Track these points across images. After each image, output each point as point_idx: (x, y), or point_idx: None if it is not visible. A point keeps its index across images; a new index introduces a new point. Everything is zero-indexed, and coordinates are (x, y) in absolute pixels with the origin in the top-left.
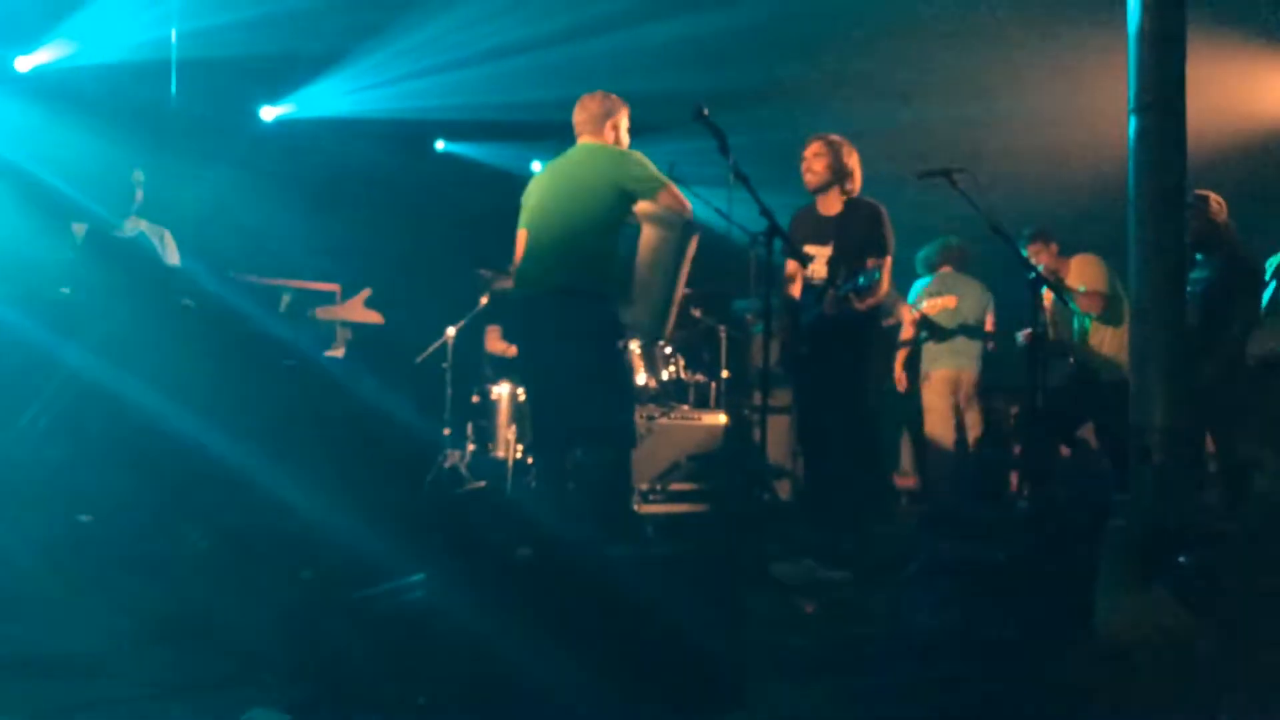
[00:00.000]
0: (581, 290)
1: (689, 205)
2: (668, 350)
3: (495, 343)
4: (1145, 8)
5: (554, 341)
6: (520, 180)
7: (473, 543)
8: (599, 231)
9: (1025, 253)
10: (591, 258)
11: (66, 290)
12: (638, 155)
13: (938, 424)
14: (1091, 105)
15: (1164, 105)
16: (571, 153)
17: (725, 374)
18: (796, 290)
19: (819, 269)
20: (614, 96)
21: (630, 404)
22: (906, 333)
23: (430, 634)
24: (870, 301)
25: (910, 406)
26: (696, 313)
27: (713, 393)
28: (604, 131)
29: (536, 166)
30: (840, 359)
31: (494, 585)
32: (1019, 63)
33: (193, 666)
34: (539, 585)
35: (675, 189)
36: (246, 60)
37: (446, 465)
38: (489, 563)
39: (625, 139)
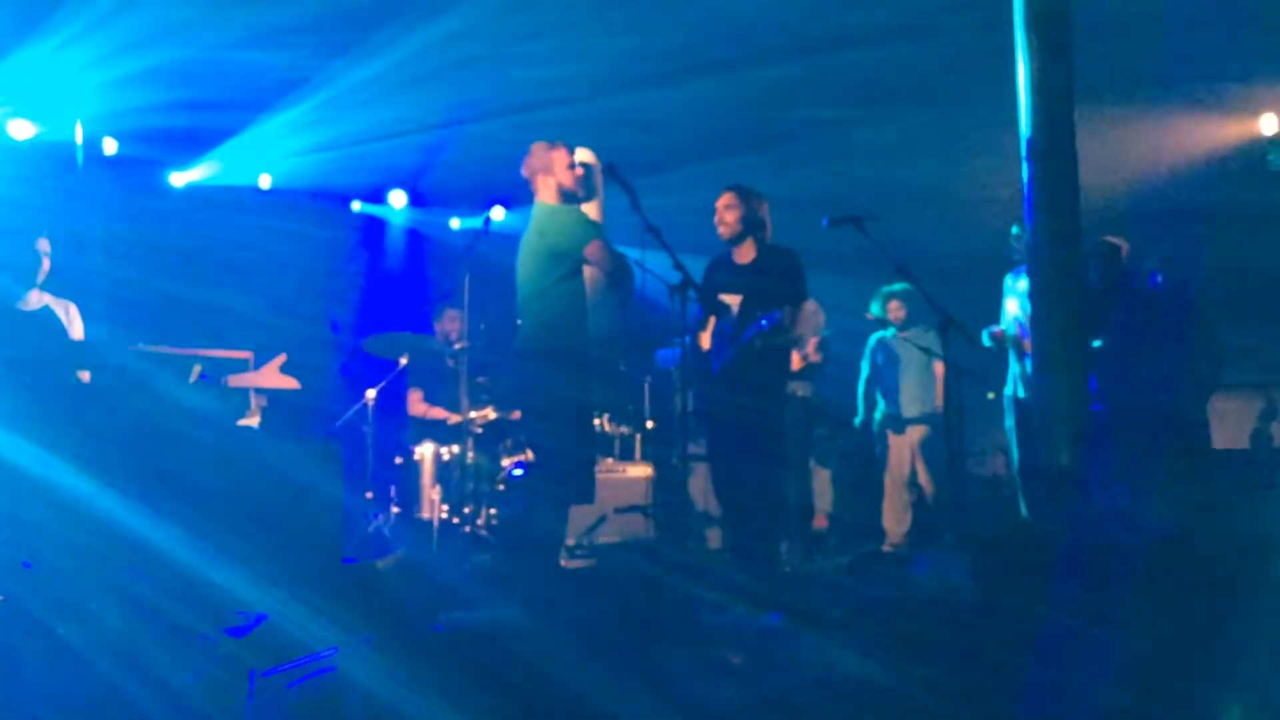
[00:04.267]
0: (532, 352)
1: (614, 256)
2: None
3: (417, 405)
4: (1033, 59)
5: (519, 403)
6: (437, 244)
7: (389, 612)
8: (537, 294)
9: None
10: (536, 320)
11: None
12: (563, 212)
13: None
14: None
15: (1055, 151)
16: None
17: (650, 424)
18: (705, 340)
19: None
20: (541, 146)
21: (580, 459)
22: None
23: (342, 706)
24: (776, 336)
25: (832, 447)
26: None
27: (638, 444)
28: (540, 190)
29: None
30: (750, 405)
31: (407, 655)
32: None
33: None
34: (454, 653)
35: (599, 244)
36: (155, 128)
37: (370, 530)
38: (403, 632)
39: (569, 184)
